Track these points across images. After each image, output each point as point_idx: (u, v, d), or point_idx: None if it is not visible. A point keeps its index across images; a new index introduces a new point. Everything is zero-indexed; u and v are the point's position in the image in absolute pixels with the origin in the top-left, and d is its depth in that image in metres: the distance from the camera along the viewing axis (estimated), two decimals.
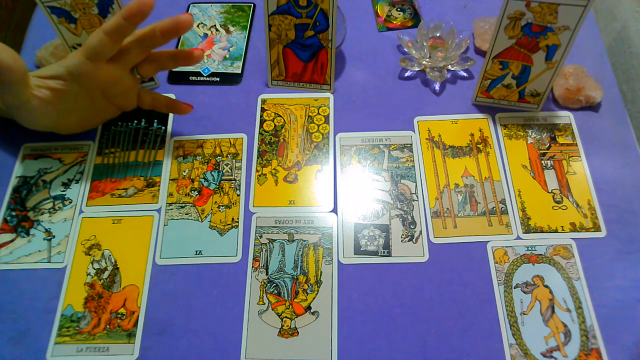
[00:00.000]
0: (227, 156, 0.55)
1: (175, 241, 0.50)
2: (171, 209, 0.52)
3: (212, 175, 0.54)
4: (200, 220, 0.51)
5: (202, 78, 0.61)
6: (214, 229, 0.51)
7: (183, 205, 0.52)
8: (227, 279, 0.48)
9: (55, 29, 0.51)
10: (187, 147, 0.56)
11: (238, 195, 0.53)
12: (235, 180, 0.53)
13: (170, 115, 0.58)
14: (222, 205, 0.52)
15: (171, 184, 0.53)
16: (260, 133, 0.57)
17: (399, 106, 0.58)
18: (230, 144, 0.56)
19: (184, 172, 0.54)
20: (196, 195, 0.53)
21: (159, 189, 0.53)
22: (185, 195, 0.53)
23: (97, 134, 0.57)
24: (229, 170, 0.54)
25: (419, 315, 0.46)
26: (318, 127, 0.57)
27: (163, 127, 0.57)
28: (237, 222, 0.51)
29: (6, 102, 0.46)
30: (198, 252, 0.50)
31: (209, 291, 0.48)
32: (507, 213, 0.51)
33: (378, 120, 0.57)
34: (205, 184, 0.53)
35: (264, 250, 0.50)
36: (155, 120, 0.57)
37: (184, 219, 0.51)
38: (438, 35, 0.60)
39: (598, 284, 0.47)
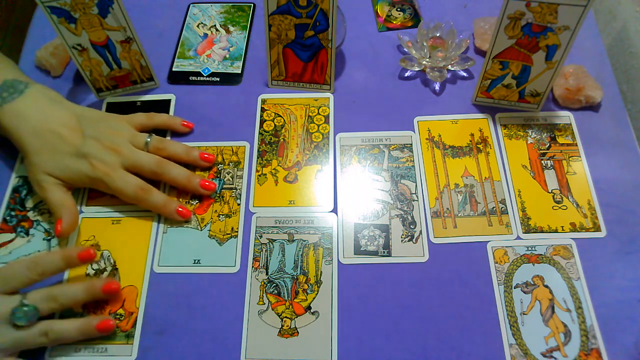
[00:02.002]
0: (228, 164, 0.55)
1: (173, 249, 0.50)
2: None
3: None
4: (199, 228, 0.51)
5: (202, 78, 0.61)
6: (213, 238, 0.51)
7: None
8: (225, 289, 0.48)
9: (55, 29, 0.51)
10: None
11: (239, 204, 0.52)
12: (236, 189, 0.53)
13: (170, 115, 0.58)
14: (222, 215, 0.52)
15: (172, 192, 0.53)
16: (260, 133, 0.57)
17: (399, 106, 0.58)
18: (232, 151, 0.55)
19: None
20: (196, 203, 0.53)
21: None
22: (186, 203, 0.52)
23: None
24: (230, 179, 0.54)
25: (419, 315, 0.46)
26: (318, 127, 0.57)
27: None
28: (237, 231, 0.51)
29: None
30: (196, 261, 0.50)
31: (209, 291, 0.48)
32: (507, 213, 0.51)
33: (378, 120, 0.57)
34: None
35: (264, 250, 0.50)
36: None
37: (183, 227, 0.51)
38: (438, 35, 0.60)
39: (598, 284, 0.47)
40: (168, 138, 0.56)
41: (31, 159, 0.48)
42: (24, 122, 0.49)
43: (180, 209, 0.50)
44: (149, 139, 0.51)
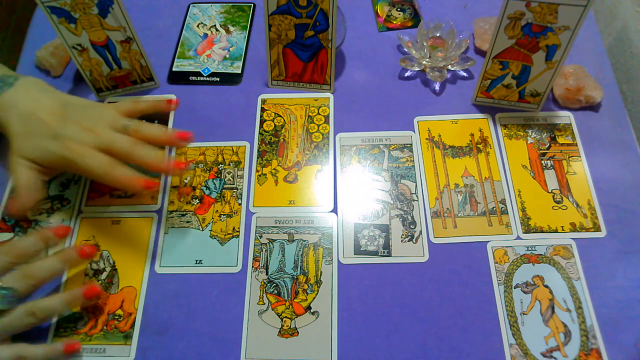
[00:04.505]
0: (229, 164, 0.55)
1: (175, 250, 0.50)
2: (172, 217, 0.52)
3: (214, 184, 0.54)
4: (201, 229, 0.51)
5: (202, 78, 0.61)
6: (215, 238, 0.51)
7: (184, 213, 0.52)
8: (225, 289, 0.48)
9: (55, 29, 0.51)
10: (190, 155, 0.55)
11: (240, 204, 0.52)
12: (237, 188, 0.53)
13: (171, 116, 0.58)
14: (223, 214, 0.52)
15: (172, 192, 0.53)
16: (260, 133, 0.57)
17: (399, 106, 0.58)
18: (233, 151, 0.55)
19: (186, 179, 0.54)
20: (197, 203, 0.52)
21: (158, 190, 0.53)
22: (187, 203, 0.52)
23: None
24: (231, 179, 0.54)
25: (419, 315, 0.46)
26: (318, 127, 0.57)
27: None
28: (238, 231, 0.51)
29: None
30: (198, 262, 0.49)
31: (209, 291, 0.48)
32: (507, 213, 0.51)
33: (378, 120, 0.57)
34: (207, 192, 0.53)
35: (264, 250, 0.50)
36: (156, 121, 0.57)
37: (184, 227, 0.51)
38: (438, 35, 0.60)
39: (598, 284, 0.47)
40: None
41: (12, 144, 0.48)
42: (13, 109, 0.48)
43: (146, 182, 0.47)
44: (129, 123, 0.49)
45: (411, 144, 0.55)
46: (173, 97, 0.55)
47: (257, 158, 0.55)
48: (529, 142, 0.55)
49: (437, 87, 0.59)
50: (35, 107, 0.49)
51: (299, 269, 0.49)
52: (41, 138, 0.48)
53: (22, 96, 0.49)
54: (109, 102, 0.54)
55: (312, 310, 0.47)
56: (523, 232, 0.50)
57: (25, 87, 0.50)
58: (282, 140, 0.56)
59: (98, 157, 0.47)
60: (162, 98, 0.55)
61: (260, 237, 0.50)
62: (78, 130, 0.48)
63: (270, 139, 0.56)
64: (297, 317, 0.46)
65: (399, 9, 0.65)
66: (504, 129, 0.56)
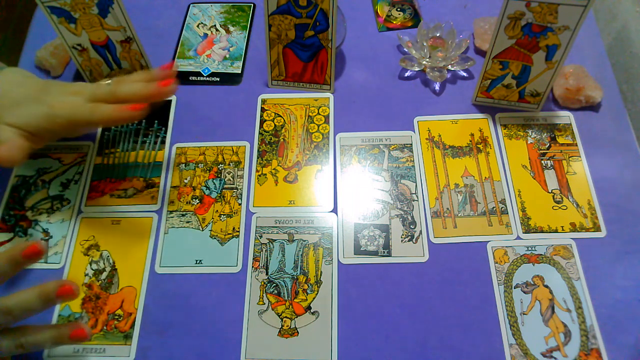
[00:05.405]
0: (229, 164, 0.55)
1: (175, 250, 0.50)
2: (172, 217, 0.52)
3: (214, 184, 0.54)
4: (201, 229, 0.51)
5: (202, 78, 0.61)
6: (215, 238, 0.51)
7: (184, 213, 0.52)
8: (225, 289, 0.48)
9: (55, 29, 0.51)
10: (190, 154, 0.55)
11: (240, 204, 0.52)
12: (237, 188, 0.53)
13: (171, 116, 0.58)
14: (223, 214, 0.52)
15: (172, 192, 0.53)
16: (260, 133, 0.57)
17: (399, 106, 0.58)
18: (233, 151, 0.55)
19: (186, 179, 0.54)
20: (197, 203, 0.52)
21: (157, 190, 0.53)
22: (187, 203, 0.52)
23: (97, 134, 0.57)
24: (231, 179, 0.54)
25: (419, 315, 0.46)
26: (318, 127, 0.57)
27: (163, 128, 0.57)
28: (238, 231, 0.51)
29: None
30: (198, 262, 0.49)
31: (209, 291, 0.48)
32: (507, 213, 0.51)
33: (378, 120, 0.57)
34: (207, 192, 0.53)
35: (264, 250, 0.50)
36: (156, 121, 0.57)
37: (184, 227, 0.51)
38: (438, 35, 0.60)
39: (598, 284, 0.47)
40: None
41: None
42: None
43: (132, 106, 0.45)
44: (109, 81, 0.49)
45: (411, 144, 0.55)
46: None
47: (257, 158, 0.55)
48: (529, 142, 0.55)
49: (437, 87, 0.59)
50: (20, 84, 0.48)
51: (299, 269, 0.49)
52: (25, 105, 0.47)
53: (6, 81, 0.49)
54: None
55: (312, 310, 0.47)
56: (523, 232, 0.50)
57: (10, 74, 0.50)
58: (282, 140, 0.56)
59: (81, 105, 0.47)
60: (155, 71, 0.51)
61: (260, 237, 0.50)
62: (61, 92, 0.48)
63: (270, 139, 0.56)
64: (297, 317, 0.46)
65: (399, 9, 0.65)
66: (504, 129, 0.56)
